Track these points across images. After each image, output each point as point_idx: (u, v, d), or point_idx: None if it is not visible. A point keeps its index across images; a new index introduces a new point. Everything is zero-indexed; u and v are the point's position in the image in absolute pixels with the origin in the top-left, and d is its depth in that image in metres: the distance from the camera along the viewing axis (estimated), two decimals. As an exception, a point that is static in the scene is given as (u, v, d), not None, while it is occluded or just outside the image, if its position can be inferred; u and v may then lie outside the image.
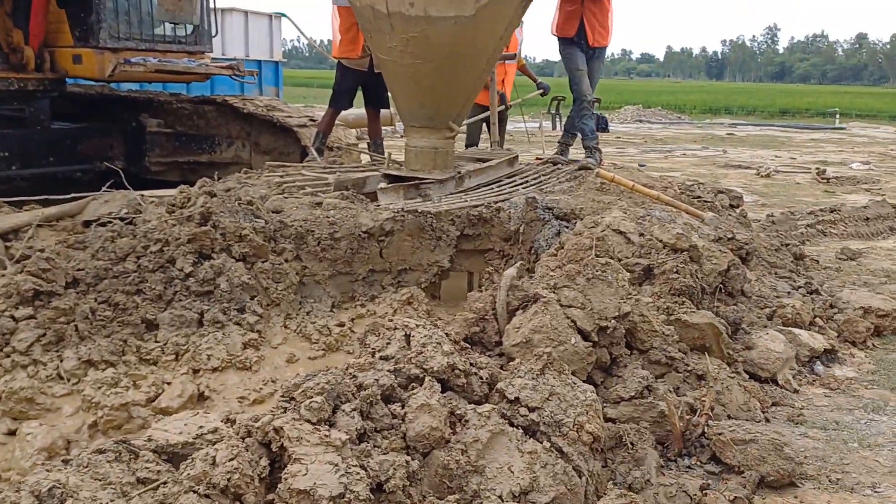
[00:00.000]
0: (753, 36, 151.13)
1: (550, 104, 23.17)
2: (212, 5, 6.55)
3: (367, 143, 6.86)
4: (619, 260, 3.00)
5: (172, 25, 6.31)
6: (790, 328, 3.62)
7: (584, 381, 2.38)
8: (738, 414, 2.76)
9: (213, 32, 6.80)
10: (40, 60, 6.05)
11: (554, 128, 22.96)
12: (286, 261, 3.55)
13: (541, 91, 8.37)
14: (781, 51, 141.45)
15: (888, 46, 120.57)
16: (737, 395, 2.78)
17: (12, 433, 2.70)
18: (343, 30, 6.19)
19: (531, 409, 2.15)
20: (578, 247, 2.97)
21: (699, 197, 4.66)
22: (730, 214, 5.32)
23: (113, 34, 5.93)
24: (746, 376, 3.08)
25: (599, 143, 6.55)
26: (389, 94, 5.47)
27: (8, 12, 6.11)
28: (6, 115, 5.99)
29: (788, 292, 4.12)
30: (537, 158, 11.29)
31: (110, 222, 3.66)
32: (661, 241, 3.00)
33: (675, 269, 2.88)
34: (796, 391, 3.24)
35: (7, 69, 5.94)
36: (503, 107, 7.31)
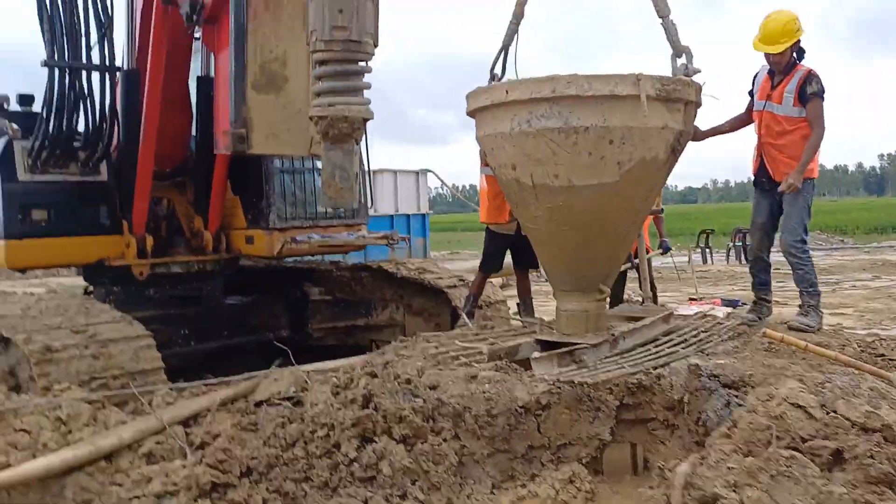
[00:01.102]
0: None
1: (699, 237, 22.72)
2: (369, 182, 7.05)
3: (518, 304, 6.91)
4: (802, 440, 2.76)
5: (334, 204, 6.82)
6: None
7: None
8: None
9: (370, 205, 7.27)
10: (217, 242, 6.67)
11: (704, 262, 22.31)
12: (444, 440, 3.54)
13: (661, 251, 8.21)
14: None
15: None
16: None
17: None
18: (490, 196, 6.44)
19: None
20: (754, 426, 2.77)
21: (882, 355, 4.29)
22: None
23: (281, 215, 6.47)
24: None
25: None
26: (538, 259, 5.55)
27: (190, 201, 6.86)
28: (186, 295, 6.57)
29: None
30: (690, 300, 10.95)
31: (280, 403, 3.83)
32: (847, 419, 2.75)
33: (868, 454, 2.61)
34: None
35: (188, 253, 6.58)
36: (629, 264, 7.21)
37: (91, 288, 6.85)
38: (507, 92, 4.27)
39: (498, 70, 4.97)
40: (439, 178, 24.77)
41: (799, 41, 5.13)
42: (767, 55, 5.17)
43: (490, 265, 6.61)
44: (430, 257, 21.59)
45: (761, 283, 5.55)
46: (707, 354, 4.28)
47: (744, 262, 19.28)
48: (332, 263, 7.85)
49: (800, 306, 5.21)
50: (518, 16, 4.84)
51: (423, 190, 23.16)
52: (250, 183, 6.56)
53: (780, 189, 5.04)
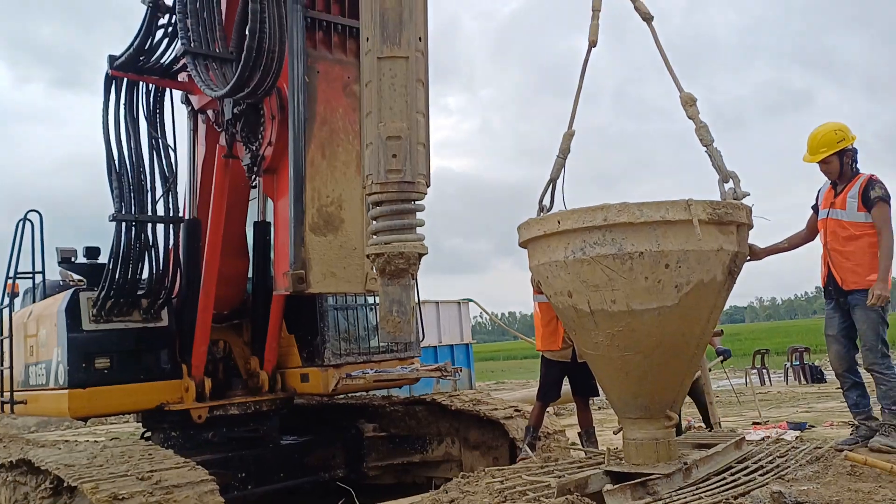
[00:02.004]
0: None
1: (754, 358, 22.10)
2: (420, 317, 7.12)
3: (579, 434, 6.74)
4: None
5: (387, 337, 6.88)
6: None
7: None
8: None
9: (421, 338, 7.31)
10: (273, 382, 6.72)
11: (762, 383, 21.57)
12: (521, 583, 3.38)
13: (720, 358, 8.03)
14: None
15: None
16: None
17: None
18: (543, 323, 6.43)
19: None
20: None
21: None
22: None
23: (335, 352, 6.54)
24: None
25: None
26: (600, 386, 5.46)
27: (246, 342, 6.98)
28: (244, 436, 6.56)
29: None
30: (755, 424, 10.52)
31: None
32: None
33: None
34: None
35: (245, 394, 6.63)
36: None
37: (149, 433, 6.88)
38: (559, 222, 4.37)
39: (546, 202, 5.10)
40: (480, 307, 24.84)
41: (847, 150, 5.14)
42: (821, 167, 5.22)
43: (548, 394, 6.51)
44: (475, 388, 21.32)
45: (853, 404, 5.19)
46: (787, 481, 4.08)
47: (803, 381, 18.62)
48: (384, 398, 7.81)
49: (881, 426, 4.95)
50: (565, 151, 5.02)
51: (465, 319, 23.18)
52: (305, 321, 6.68)
53: (868, 303, 4.83)
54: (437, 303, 22.05)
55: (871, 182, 5.04)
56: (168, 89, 6.43)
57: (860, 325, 4.95)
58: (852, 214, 5.05)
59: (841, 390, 5.32)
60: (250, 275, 6.84)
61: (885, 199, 4.98)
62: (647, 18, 4.74)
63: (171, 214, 6.26)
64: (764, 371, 19.60)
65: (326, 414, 7.59)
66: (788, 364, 19.78)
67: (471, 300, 23.92)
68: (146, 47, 6.02)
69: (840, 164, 5.14)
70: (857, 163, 5.19)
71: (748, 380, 15.19)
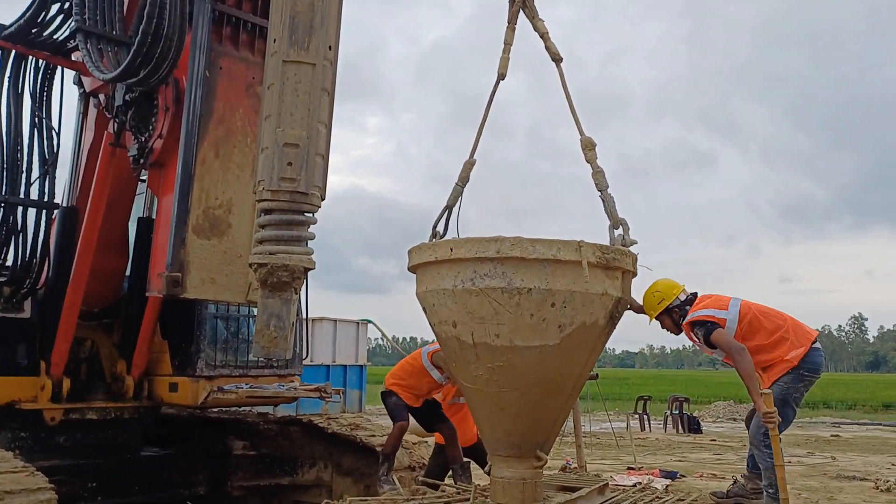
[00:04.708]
0: (840, 325, 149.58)
1: (637, 403, 22.84)
2: (306, 332, 6.89)
3: (453, 468, 6.63)
4: None
5: (266, 352, 6.62)
6: None
7: None
8: None
9: (305, 355, 7.07)
10: (139, 389, 6.33)
11: (642, 429, 22.24)
12: None
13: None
14: (872, 339, 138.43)
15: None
16: None
17: None
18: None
19: None
20: None
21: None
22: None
23: (210, 362, 6.22)
24: None
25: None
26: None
27: (115, 343, 6.56)
28: (99, 444, 6.13)
29: None
30: (629, 469, 10.71)
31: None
32: None
33: None
34: None
35: (107, 399, 6.22)
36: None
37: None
38: (451, 249, 4.29)
39: (440, 228, 5.02)
40: (379, 329, 24.64)
41: (671, 307, 5.48)
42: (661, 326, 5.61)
43: (402, 414, 6.48)
44: (365, 411, 20.99)
45: (749, 458, 5.47)
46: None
47: (681, 430, 19.28)
48: (259, 415, 7.49)
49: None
50: (464, 179, 4.97)
51: (362, 341, 22.92)
52: (180, 327, 6.34)
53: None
54: (335, 321, 21.69)
55: (693, 330, 5.40)
56: (60, 68, 6.05)
57: (755, 420, 5.20)
58: (717, 354, 5.43)
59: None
60: (128, 272, 6.46)
61: (712, 329, 5.25)
62: (557, 59, 4.77)
63: (47, 199, 5.86)
64: (645, 417, 20.16)
65: (194, 427, 7.20)
66: (668, 412, 20.45)
67: (370, 321, 23.66)
68: (39, 20, 5.65)
69: (671, 320, 5.53)
70: (684, 316, 5.49)
71: (629, 424, 15.57)
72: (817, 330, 5.47)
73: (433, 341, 6.28)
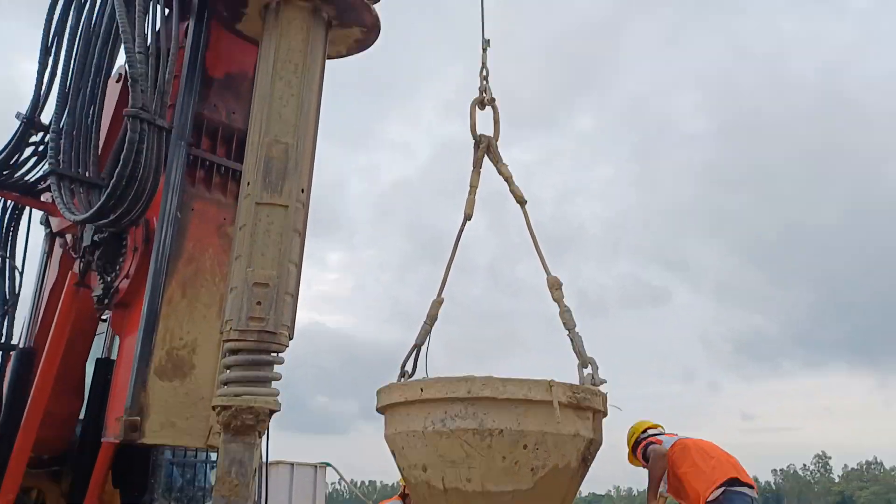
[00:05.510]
0: (804, 465, 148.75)
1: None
2: (265, 478, 6.60)
3: None
4: None
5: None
6: None
7: None
8: None
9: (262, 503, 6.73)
10: (86, 541, 5.92)
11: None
12: None
13: None
14: (837, 479, 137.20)
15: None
16: None
17: None
18: None
19: None
20: None
21: None
22: None
23: (163, 513, 5.89)
24: None
25: None
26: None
27: (63, 493, 6.20)
28: None
29: None
30: None
31: None
32: None
33: None
34: None
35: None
36: None
37: None
38: (422, 389, 4.24)
39: (409, 367, 4.98)
40: (338, 473, 23.76)
41: (637, 439, 6.43)
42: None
43: None
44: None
45: None
46: None
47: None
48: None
49: None
50: (433, 318, 4.99)
51: (319, 485, 22.03)
52: (133, 475, 6.03)
53: None
54: (292, 464, 20.88)
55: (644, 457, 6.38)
56: (28, 207, 6.06)
57: None
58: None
59: None
60: (82, 416, 6.20)
61: (648, 445, 6.36)
62: (522, 202, 4.95)
63: (4, 341, 5.70)
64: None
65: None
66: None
67: (329, 465, 22.82)
68: (11, 162, 5.71)
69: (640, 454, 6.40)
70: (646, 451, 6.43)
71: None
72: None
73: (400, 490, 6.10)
